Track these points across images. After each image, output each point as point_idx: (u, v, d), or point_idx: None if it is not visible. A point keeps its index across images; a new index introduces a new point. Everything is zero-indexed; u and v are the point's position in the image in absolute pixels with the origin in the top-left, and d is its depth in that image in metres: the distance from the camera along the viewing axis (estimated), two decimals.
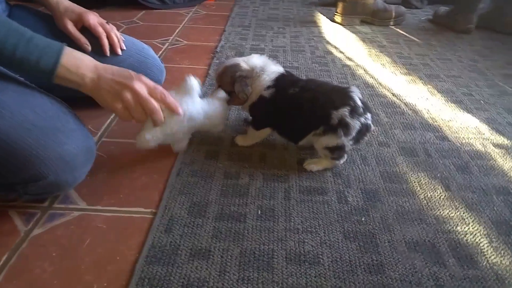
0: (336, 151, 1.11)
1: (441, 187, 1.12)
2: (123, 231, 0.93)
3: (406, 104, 1.54)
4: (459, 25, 2.39)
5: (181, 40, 2.03)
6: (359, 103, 1.08)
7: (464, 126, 1.41)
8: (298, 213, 1.00)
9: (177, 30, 2.15)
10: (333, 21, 2.45)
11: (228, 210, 0.99)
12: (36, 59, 0.86)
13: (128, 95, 0.94)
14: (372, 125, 1.12)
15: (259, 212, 0.99)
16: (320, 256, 0.88)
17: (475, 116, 1.48)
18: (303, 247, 0.90)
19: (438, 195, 1.08)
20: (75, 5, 1.26)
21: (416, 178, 1.15)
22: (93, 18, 1.25)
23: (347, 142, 1.09)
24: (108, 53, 1.27)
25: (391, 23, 2.43)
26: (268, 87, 1.11)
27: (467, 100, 1.60)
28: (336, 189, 1.09)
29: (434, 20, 2.58)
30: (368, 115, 1.10)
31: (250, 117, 1.23)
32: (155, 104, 0.97)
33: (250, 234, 0.93)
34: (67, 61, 0.89)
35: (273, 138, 1.28)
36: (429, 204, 1.05)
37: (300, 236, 0.93)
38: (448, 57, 2.03)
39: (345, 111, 1.06)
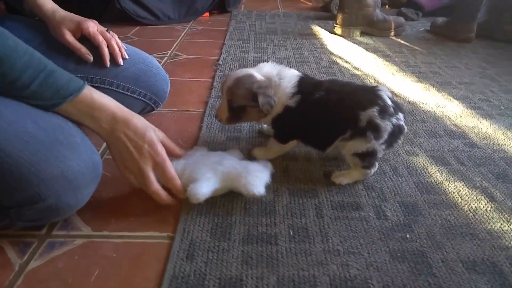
0: (367, 158, 1.00)
1: (484, 197, 1.01)
2: (137, 259, 0.79)
3: (425, 111, 1.46)
4: (459, 34, 2.34)
5: (180, 54, 1.92)
6: (389, 102, 0.98)
7: (491, 132, 1.32)
8: (335, 232, 0.88)
9: (175, 45, 2.05)
10: (333, 33, 2.38)
11: (256, 232, 0.87)
12: (50, 95, 0.78)
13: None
14: (405, 126, 1.01)
15: (291, 233, 0.87)
16: (369, 281, 0.76)
17: (498, 122, 1.40)
18: (348, 271, 0.78)
19: (483, 207, 0.98)
20: (73, 14, 1.15)
21: (454, 189, 1.04)
22: (93, 26, 1.13)
23: (379, 146, 0.98)
24: (108, 64, 1.15)
25: (392, 33, 2.37)
26: (293, 95, 1.00)
27: (486, 106, 1.52)
28: (372, 204, 0.97)
29: (432, 30, 2.54)
30: (400, 115, 0.99)
31: (270, 129, 1.12)
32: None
33: (285, 258, 0.80)
34: (81, 103, 0.81)
35: (292, 150, 1.16)
36: (476, 217, 0.94)
37: (342, 258, 0.81)
38: (455, 64, 1.96)
39: (373, 111, 0.95)
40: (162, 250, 0.81)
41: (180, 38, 2.17)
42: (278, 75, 1.02)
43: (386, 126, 0.96)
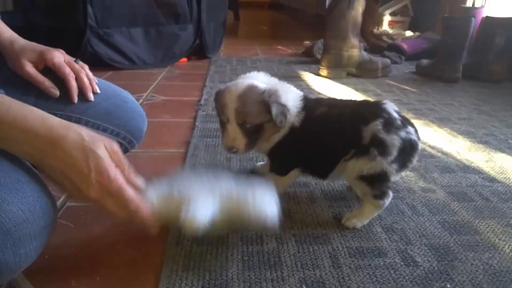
0: (376, 183, 0.83)
1: None
2: None
3: (431, 147, 1.33)
4: (446, 75, 2.30)
5: (157, 96, 1.78)
6: (394, 114, 0.84)
7: (506, 166, 1.20)
8: (359, 284, 0.70)
9: (151, 87, 1.91)
10: (319, 75, 2.30)
11: None
12: None
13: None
14: (418, 142, 0.86)
15: None
16: None
17: (511, 155, 1.28)
18: None
19: None
20: (35, 43, 1.00)
21: (486, 227, 0.89)
22: (58, 56, 0.98)
23: (389, 166, 0.82)
24: (75, 99, 0.98)
25: (378, 74, 2.30)
26: (299, 112, 0.85)
27: (493, 140, 1.41)
28: (396, 248, 0.80)
29: (418, 71, 2.49)
30: (410, 129, 0.84)
31: (264, 166, 0.96)
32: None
33: None
34: None
35: (292, 190, 1.00)
36: None
37: None
38: (449, 102, 1.88)
39: (377, 124, 0.81)
40: None
41: (157, 81, 2.03)
42: (281, 83, 0.87)
43: (393, 140, 0.81)
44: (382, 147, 0.81)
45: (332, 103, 0.89)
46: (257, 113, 0.80)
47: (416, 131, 0.86)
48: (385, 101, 0.88)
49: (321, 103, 0.88)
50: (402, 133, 0.82)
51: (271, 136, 0.86)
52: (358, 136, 0.82)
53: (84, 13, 2.01)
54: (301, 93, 0.88)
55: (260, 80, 0.85)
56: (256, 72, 0.90)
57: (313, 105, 0.87)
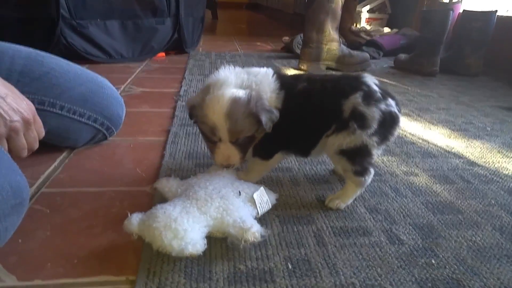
0: (357, 157, 0.82)
1: (505, 214, 0.87)
2: None
3: (411, 134, 1.34)
4: (424, 68, 2.33)
5: (135, 87, 1.74)
6: (374, 87, 0.83)
7: (486, 152, 1.21)
8: (345, 262, 0.69)
9: (129, 80, 1.87)
10: (299, 69, 2.29)
11: (244, 267, 0.66)
12: None
13: None
14: (399, 115, 0.85)
15: (290, 266, 0.67)
16: None
17: (490, 141, 1.30)
18: None
19: (508, 224, 0.83)
20: None
21: (468, 207, 0.89)
22: None
23: (369, 139, 0.81)
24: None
25: (357, 68, 2.31)
26: (278, 93, 0.82)
27: (472, 128, 1.42)
28: (381, 227, 0.80)
29: (396, 66, 2.52)
30: (391, 101, 0.83)
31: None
32: None
33: None
34: None
35: (275, 175, 0.99)
36: (505, 235, 0.79)
37: None
38: (428, 94, 1.90)
39: (356, 97, 0.80)
40: None
41: (134, 74, 1.99)
42: (251, 75, 0.83)
43: (373, 113, 0.80)
44: (361, 120, 0.80)
45: (311, 78, 0.87)
46: (249, 127, 0.77)
47: (397, 103, 0.85)
48: (364, 74, 0.87)
49: (299, 79, 0.87)
50: (382, 106, 0.81)
51: (260, 137, 0.83)
52: (339, 110, 0.81)
53: (57, 3, 1.92)
54: (271, 71, 0.85)
55: (232, 81, 0.80)
56: (222, 69, 0.84)
57: (290, 82, 0.85)
